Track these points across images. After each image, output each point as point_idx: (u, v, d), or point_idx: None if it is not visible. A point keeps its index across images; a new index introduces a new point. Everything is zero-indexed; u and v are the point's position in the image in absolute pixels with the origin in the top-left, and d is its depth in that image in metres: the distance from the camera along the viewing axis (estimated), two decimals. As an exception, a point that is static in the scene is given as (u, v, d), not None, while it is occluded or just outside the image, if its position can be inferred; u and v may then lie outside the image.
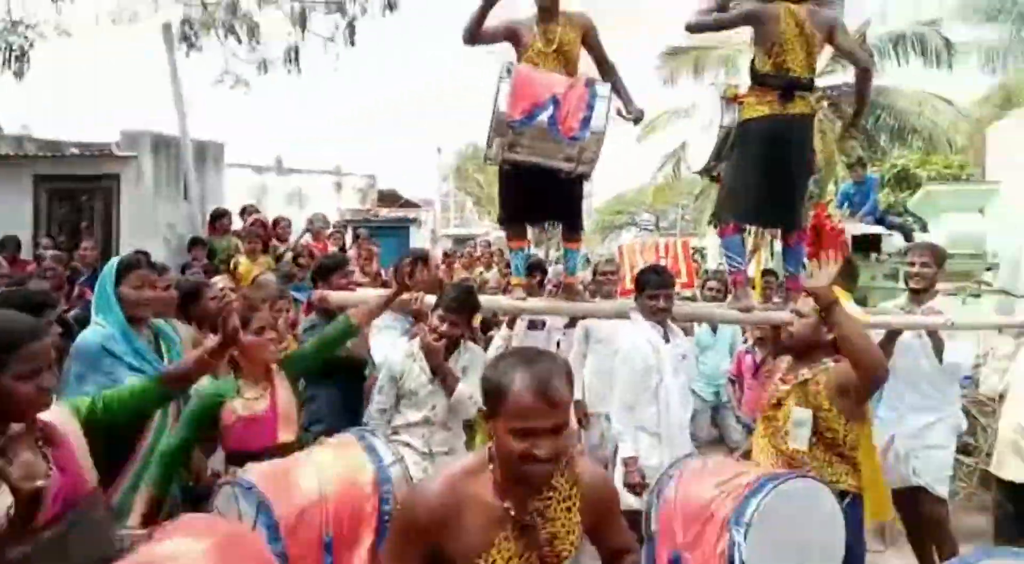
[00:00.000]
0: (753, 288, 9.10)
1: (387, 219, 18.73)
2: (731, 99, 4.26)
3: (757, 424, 3.39)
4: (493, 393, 1.84)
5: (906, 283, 4.57)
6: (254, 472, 2.58)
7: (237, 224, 9.88)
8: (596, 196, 46.83)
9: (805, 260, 4.42)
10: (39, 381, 1.99)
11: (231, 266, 8.52)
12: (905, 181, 16.06)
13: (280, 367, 3.29)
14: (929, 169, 16.13)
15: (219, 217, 9.61)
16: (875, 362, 2.96)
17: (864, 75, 4.34)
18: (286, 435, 3.13)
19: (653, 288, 4.11)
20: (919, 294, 4.44)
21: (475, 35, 4.22)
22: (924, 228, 9.27)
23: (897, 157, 17.01)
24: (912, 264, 4.49)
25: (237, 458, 3.03)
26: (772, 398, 3.25)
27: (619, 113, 4.28)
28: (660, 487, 2.84)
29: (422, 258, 4.56)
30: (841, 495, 2.96)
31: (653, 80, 20.95)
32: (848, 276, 4.56)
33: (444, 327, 3.74)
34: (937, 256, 4.51)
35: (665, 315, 4.14)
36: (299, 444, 3.11)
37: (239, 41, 9.66)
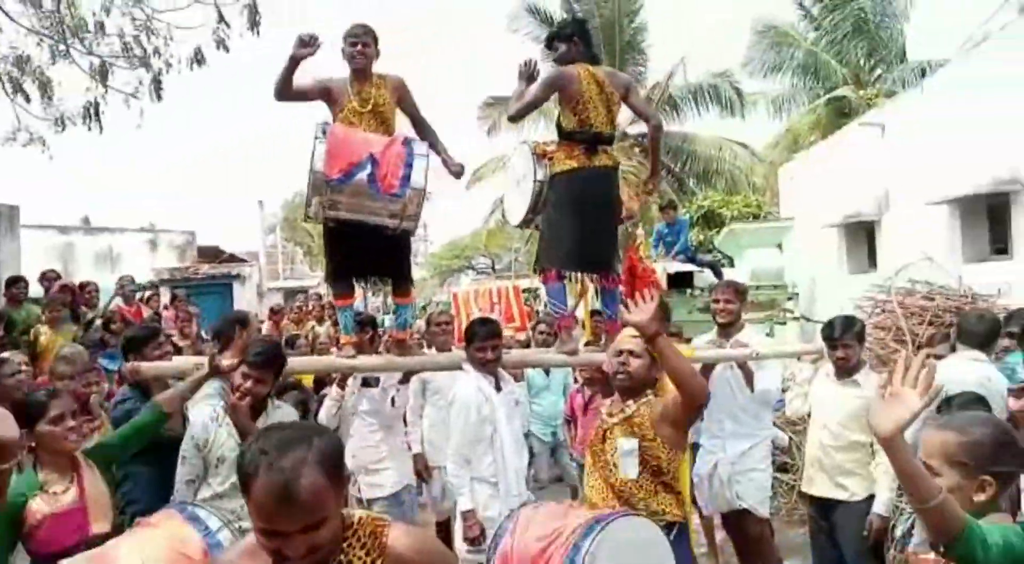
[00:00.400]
0: (584, 328, 9.47)
1: (209, 276, 17.88)
2: (541, 155, 4.44)
3: (587, 459, 3.49)
4: (241, 484, 1.66)
5: (714, 318, 4.89)
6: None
7: (37, 290, 9.08)
8: (433, 242, 47.06)
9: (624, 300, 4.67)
10: None
11: (31, 337, 7.82)
12: (711, 220, 17.33)
13: (87, 456, 3.07)
14: (732, 209, 17.51)
15: (13, 284, 8.78)
16: (699, 386, 3.17)
17: (655, 131, 4.69)
18: (100, 526, 2.91)
19: (481, 340, 4.19)
20: (727, 328, 4.78)
21: (284, 92, 4.20)
22: (731, 263, 10.02)
23: (703, 198, 18.40)
24: (717, 301, 4.86)
25: (48, 560, 2.75)
26: (598, 432, 3.38)
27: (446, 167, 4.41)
28: (496, 541, 2.85)
29: (240, 321, 4.37)
30: (668, 527, 3.12)
31: (476, 129, 21.59)
32: (661, 315, 4.80)
33: (248, 384, 3.50)
34: (739, 292, 4.92)
35: (494, 366, 4.21)
36: (117, 532, 2.87)
37: (27, 99, 8.93)
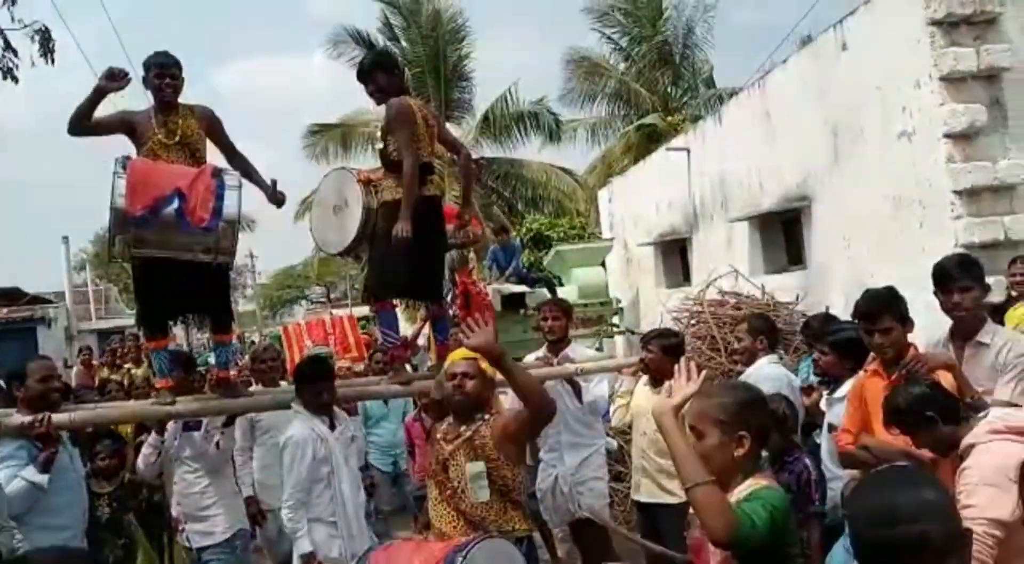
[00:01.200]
0: (431, 353, 9.50)
1: (7, 320, 16.31)
2: (366, 183, 4.40)
3: (429, 489, 3.46)
4: None
5: (544, 335, 5.08)
6: None
7: None
8: (262, 273, 45.39)
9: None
10: None
11: None
12: (540, 242, 17.94)
13: None
14: (558, 230, 18.21)
15: None
16: (549, 400, 3.32)
17: (467, 160, 4.92)
18: None
19: (313, 383, 4.14)
20: (555, 344, 4.99)
21: (82, 124, 3.94)
22: (560, 282, 10.41)
23: (531, 221, 19.02)
24: (545, 319, 5.06)
25: None
26: (438, 460, 3.36)
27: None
28: None
29: (16, 376, 4.00)
30: (518, 542, 3.20)
31: (302, 157, 21.20)
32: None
33: None
34: (564, 309, 5.14)
35: (328, 408, 4.16)
36: None
37: None
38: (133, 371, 10.98)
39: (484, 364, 3.32)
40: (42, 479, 3.68)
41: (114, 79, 3.88)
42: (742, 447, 2.21)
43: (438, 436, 3.42)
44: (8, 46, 7.81)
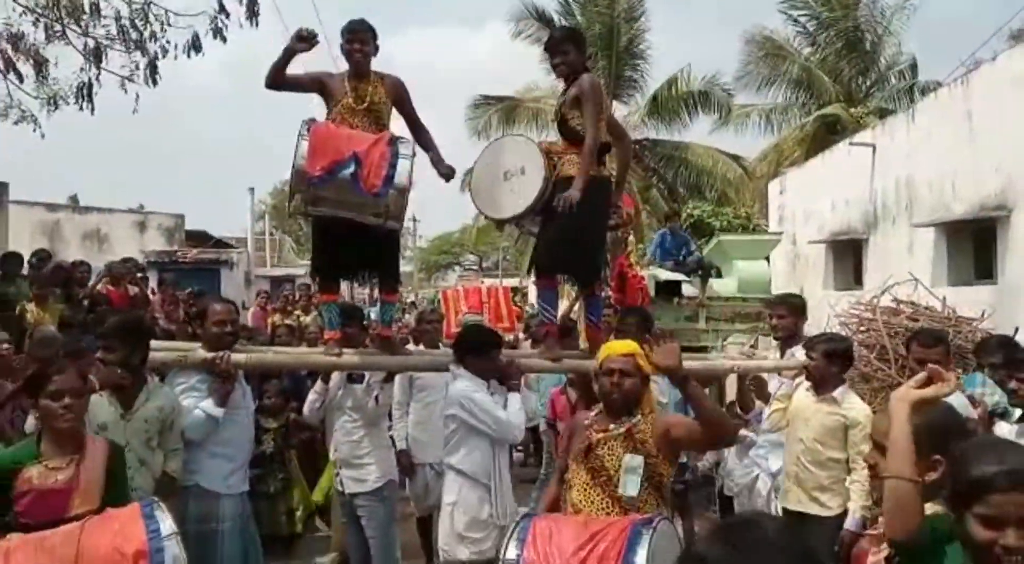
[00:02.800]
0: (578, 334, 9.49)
1: (196, 260, 17.79)
2: (547, 153, 4.34)
3: (576, 472, 3.34)
4: None
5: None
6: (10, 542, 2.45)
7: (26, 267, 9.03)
8: (422, 237, 47.07)
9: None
10: None
11: (18, 313, 7.79)
12: (700, 230, 17.44)
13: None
14: (721, 219, 17.61)
15: (7, 260, 8.76)
16: (728, 427, 3.30)
17: (629, 145, 4.97)
18: (84, 506, 2.92)
19: (482, 350, 4.21)
20: (785, 342, 4.85)
21: (276, 81, 4.17)
22: (719, 274, 10.05)
23: (693, 208, 18.49)
24: (771, 317, 4.92)
25: (22, 528, 2.80)
26: (586, 445, 3.28)
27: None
28: (512, 548, 2.86)
29: (199, 314, 4.39)
30: None
31: (465, 129, 21.45)
32: (643, 326, 4.83)
33: (100, 353, 3.73)
34: (790, 306, 4.94)
35: (492, 376, 4.22)
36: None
37: (20, 78, 8.87)
38: (302, 318, 11.74)
39: (642, 361, 3.23)
40: (218, 412, 3.99)
41: (302, 41, 4.08)
42: (934, 472, 2.07)
43: (586, 422, 3.35)
44: (222, 8, 8.44)
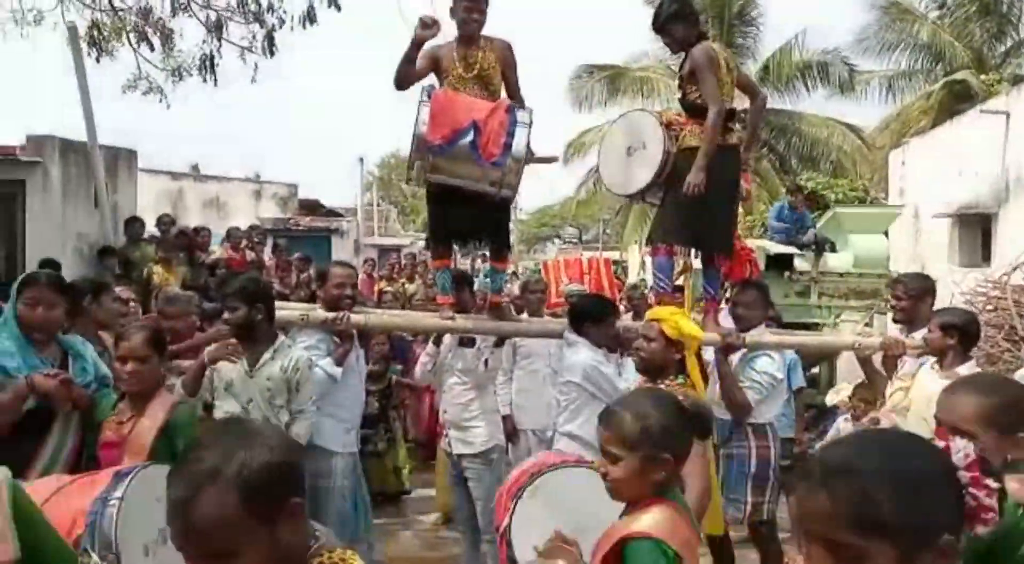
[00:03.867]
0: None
1: (309, 228, 18.42)
2: (668, 125, 4.30)
3: None
4: None
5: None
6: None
7: (151, 232, 9.59)
8: (523, 209, 47.28)
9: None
10: None
11: (145, 276, 8.28)
12: (815, 202, 16.76)
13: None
14: (836, 192, 16.84)
15: (132, 225, 9.31)
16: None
17: (763, 104, 4.71)
18: (132, 461, 2.98)
19: (601, 319, 4.26)
20: (908, 327, 4.52)
21: (407, 78, 4.17)
22: (833, 248, 9.67)
23: (806, 179, 17.75)
24: (893, 297, 4.61)
25: None
26: None
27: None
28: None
29: (320, 276, 4.51)
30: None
31: (567, 100, 21.09)
32: (763, 301, 4.70)
33: (225, 314, 3.91)
34: (909, 288, 4.51)
35: (612, 344, 4.26)
36: None
37: (151, 48, 9.32)
38: (407, 286, 12.04)
39: (668, 328, 3.49)
40: (337, 372, 4.13)
41: (427, 27, 4.08)
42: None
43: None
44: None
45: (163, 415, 3.12)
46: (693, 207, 4.17)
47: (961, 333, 4.09)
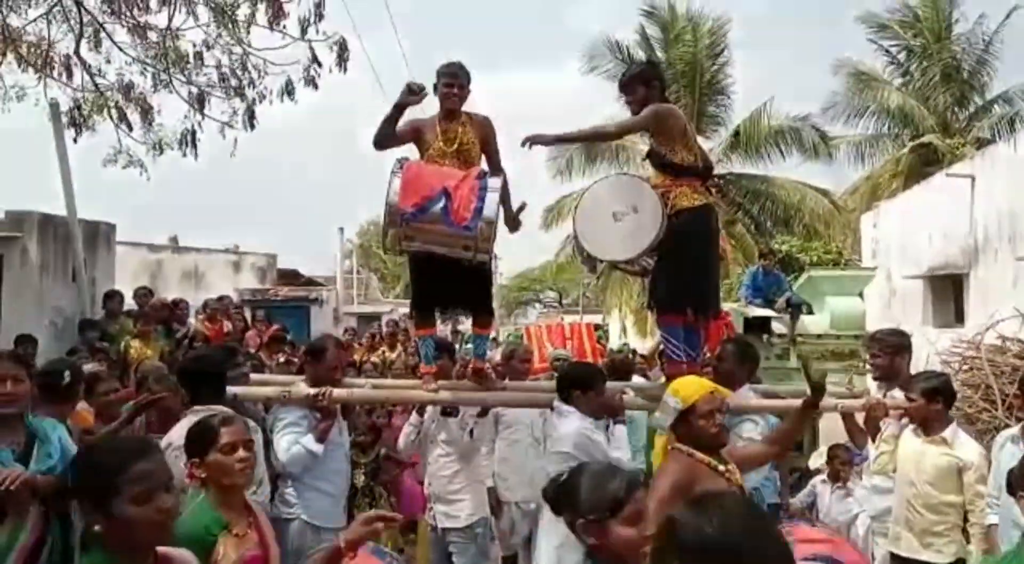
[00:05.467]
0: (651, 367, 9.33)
1: (288, 298, 18.36)
2: (655, 188, 4.34)
3: None
4: None
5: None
6: None
7: (130, 305, 9.51)
8: (503, 274, 47.48)
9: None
10: (156, 504, 1.84)
11: (122, 349, 8.18)
12: (789, 266, 17.02)
13: None
14: (811, 254, 17.15)
15: (111, 298, 9.25)
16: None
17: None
18: None
19: (591, 387, 4.19)
20: (886, 383, 4.55)
21: (387, 139, 4.31)
22: (810, 310, 9.77)
23: (781, 243, 18.08)
24: (870, 355, 4.64)
25: None
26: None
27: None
28: None
29: (313, 353, 4.44)
30: None
31: (544, 169, 21.52)
32: (745, 359, 4.66)
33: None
34: (885, 344, 4.52)
35: (601, 414, 4.19)
36: None
37: (130, 129, 9.44)
38: (387, 354, 11.96)
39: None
40: (318, 448, 4.07)
41: (413, 94, 4.21)
42: None
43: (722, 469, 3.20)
44: (315, 58, 8.82)
45: (268, 523, 2.83)
46: (700, 268, 4.23)
47: (944, 397, 4.14)
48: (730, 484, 3.08)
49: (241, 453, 2.73)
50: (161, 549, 1.92)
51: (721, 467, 3.11)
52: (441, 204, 3.97)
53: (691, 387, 3.25)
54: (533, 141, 4.26)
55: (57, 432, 3.32)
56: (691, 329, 4.44)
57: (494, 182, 4.11)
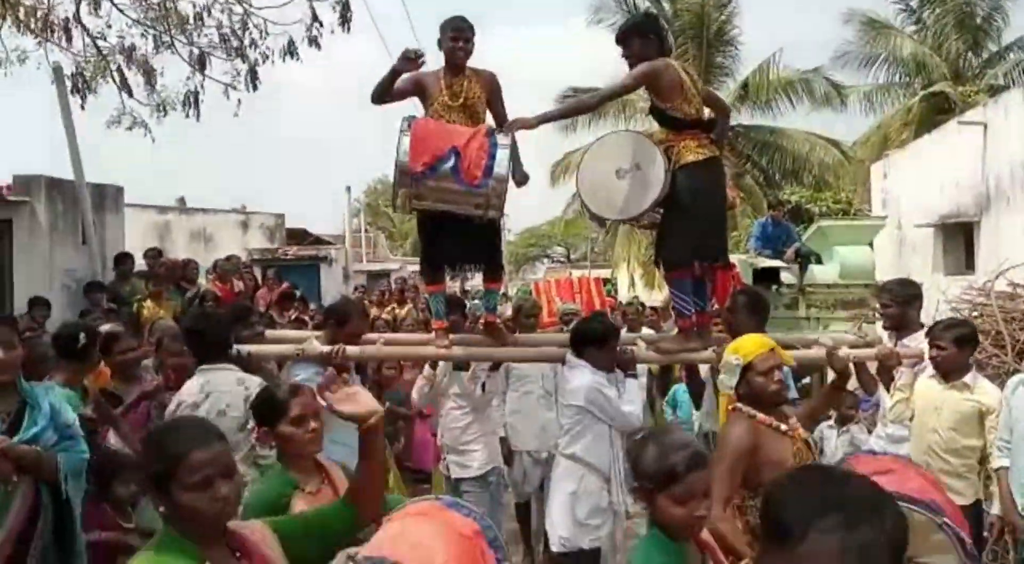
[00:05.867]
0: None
1: (297, 257, 18.42)
2: (660, 144, 4.29)
3: None
4: None
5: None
6: (374, 548, 2.05)
7: (140, 267, 9.57)
8: (511, 230, 47.42)
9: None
10: (213, 492, 1.86)
11: (135, 310, 8.25)
12: (798, 216, 16.93)
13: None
14: (820, 205, 17.05)
15: (122, 261, 9.30)
16: None
17: (728, 119, 4.79)
18: None
19: (603, 341, 4.21)
20: (897, 332, 4.55)
21: (382, 99, 4.29)
22: (819, 260, 9.76)
23: (790, 194, 17.96)
24: (881, 304, 4.65)
25: None
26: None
27: None
28: None
29: (338, 318, 4.44)
30: None
31: (552, 124, 21.22)
32: (755, 309, 4.63)
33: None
34: (895, 294, 4.54)
35: (612, 366, 4.21)
36: None
37: (130, 94, 9.38)
38: (396, 310, 12.06)
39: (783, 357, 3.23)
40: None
41: (409, 61, 4.15)
42: None
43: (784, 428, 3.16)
44: (315, 18, 8.70)
45: (339, 470, 2.83)
46: (707, 221, 4.21)
47: (971, 344, 4.18)
48: (794, 441, 3.08)
49: (312, 424, 2.78)
50: (232, 524, 1.96)
51: (783, 427, 3.09)
52: (451, 163, 3.93)
53: (750, 344, 3.22)
54: (515, 126, 4.18)
55: (49, 397, 3.27)
56: (700, 282, 4.43)
57: (504, 139, 4.07)
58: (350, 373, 4.28)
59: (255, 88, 9.28)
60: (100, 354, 4.35)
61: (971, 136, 11.22)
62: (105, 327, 4.98)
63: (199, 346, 3.93)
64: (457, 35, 4.25)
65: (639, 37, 4.34)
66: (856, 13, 19.67)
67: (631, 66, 4.36)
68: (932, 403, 4.21)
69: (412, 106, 4.52)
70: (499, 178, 3.98)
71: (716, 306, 5.20)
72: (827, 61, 20.10)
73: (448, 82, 4.26)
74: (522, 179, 4.38)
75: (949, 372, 4.16)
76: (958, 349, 4.10)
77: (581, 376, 4.14)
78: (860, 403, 5.50)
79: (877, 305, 4.68)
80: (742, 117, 20.47)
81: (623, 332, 6.29)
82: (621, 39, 4.41)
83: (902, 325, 4.51)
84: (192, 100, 9.35)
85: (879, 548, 1.24)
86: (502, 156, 4.00)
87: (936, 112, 16.88)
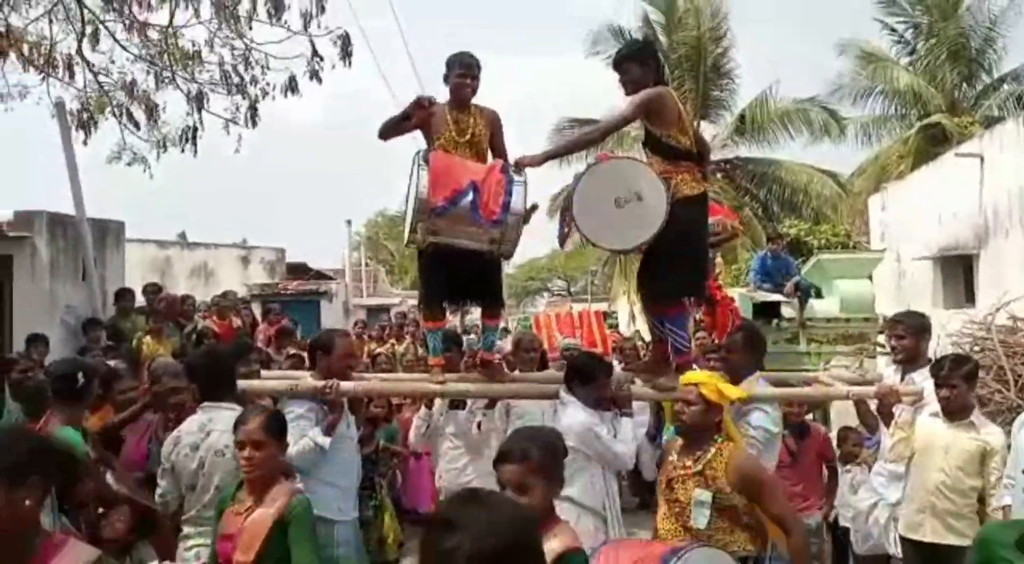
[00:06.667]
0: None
1: (297, 292, 18.40)
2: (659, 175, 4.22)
3: (660, 501, 3.57)
4: None
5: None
6: None
7: (139, 302, 9.56)
8: (510, 264, 47.41)
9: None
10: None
11: (135, 346, 8.22)
12: (796, 249, 16.94)
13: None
14: (818, 238, 17.07)
15: (122, 296, 9.29)
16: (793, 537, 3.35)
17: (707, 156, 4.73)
18: (241, 557, 2.93)
19: (593, 379, 4.17)
20: (906, 366, 4.52)
21: (389, 137, 4.36)
22: (819, 294, 9.73)
23: (788, 226, 17.99)
24: (890, 337, 4.63)
25: None
26: (667, 477, 3.51)
27: None
28: None
29: (322, 347, 4.38)
30: (742, 561, 3.23)
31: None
32: (753, 347, 4.60)
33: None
34: (909, 325, 4.53)
35: (605, 404, 4.17)
36: None
37: (136, 126, 9.44)
38: (396, 346, 11.99)
39: (707, 391, 3.42)
40: (325, 441, 4.05)
41: (421, 109, 4.22)
42: None
43: (671, 457, 3.53)
44: (315, 53, 8.78)
45: (281, 505, 3.00)
46: (702, 257, 4.25)
47: (976, 379, 4.17)
48: (676, 478, 3.49)
49: (245, 451, 3.06)
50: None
51: (679, 462, 3.49)
52: (470, 198, 3.94)
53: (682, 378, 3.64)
54: (522, 164, 4.15)
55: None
56: (689, 317, 4.51)
57: (519, 175, 4.07)
58: (343, 410, 4.22)
59: (255, 124, 9.34)
60: (100, 392, 4.32)
61: (968, 168, 11.27)
62: (111, 363, 4.98)
63: (204, 383, 3.91)
64: (465, 72, 4.29)
65: (638, 63, 4.31)
66: (851, 44, 19.91)
67: (628, 92, 4.32)
68: (939, 442, 4.15)
69: (410, 138, 4.57)
70: (515, 213, 3.97)
71: (716, 341, 5.18)
72: (823, 94, 20.28)
73: (455, 117, 4.30)
74: (528, 213, 4.41)
75: (958, 411, 4.12)
76: (967, 386, 4.08)
77: (574, 414, 4.09)
78: (864, 441, 5.44)
79: (885, 339, 4.65)
80: (740, 150, 20.64)
81: (618, 368, 6.26)
82: (619, 64, 4.38)
83: (914, 358, 4.48)
84: (190, 136, 9.40)
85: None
86: (518, 193, 4.00)
87: (933, 143, 16.98)
